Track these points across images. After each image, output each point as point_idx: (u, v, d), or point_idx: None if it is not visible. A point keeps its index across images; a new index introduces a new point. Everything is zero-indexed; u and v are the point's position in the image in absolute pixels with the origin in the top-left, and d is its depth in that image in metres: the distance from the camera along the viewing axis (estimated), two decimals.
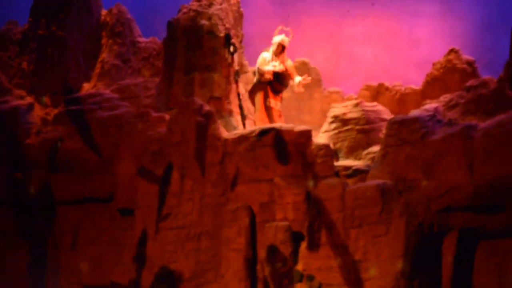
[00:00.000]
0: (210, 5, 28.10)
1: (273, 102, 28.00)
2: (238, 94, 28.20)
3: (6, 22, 30.19)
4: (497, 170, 24.04)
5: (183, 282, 26.21)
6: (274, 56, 28.07)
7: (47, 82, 29.47)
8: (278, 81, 28.01)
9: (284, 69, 27.94)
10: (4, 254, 28.37)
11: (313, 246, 24.95)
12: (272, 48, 28.12)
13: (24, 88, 29.45)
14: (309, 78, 28.04)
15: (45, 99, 29.27)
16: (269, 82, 28.01)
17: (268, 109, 27.92)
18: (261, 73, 28.03)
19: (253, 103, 28.42)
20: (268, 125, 26.66)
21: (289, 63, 28.09)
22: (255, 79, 28.17)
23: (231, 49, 27.72)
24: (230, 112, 27.84)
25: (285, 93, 28.44)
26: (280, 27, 28.06)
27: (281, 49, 27.95)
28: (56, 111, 28.46)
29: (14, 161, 28.27)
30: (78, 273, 27.94)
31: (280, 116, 27.83)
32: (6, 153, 28.31)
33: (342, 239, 24.66)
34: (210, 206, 26.04)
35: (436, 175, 24.57)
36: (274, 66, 27.86)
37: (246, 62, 29.30)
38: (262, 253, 25.45)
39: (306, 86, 28.63)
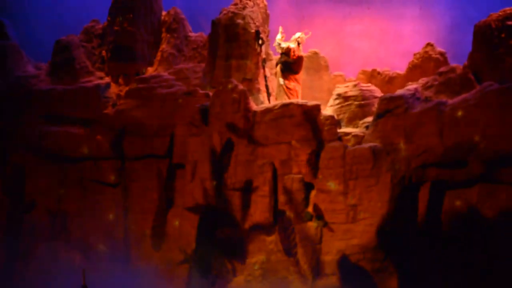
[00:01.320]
0: (244, 8, 28.22)
1: (291, 83, 28.05)
2: (265, 77, 28.45)
3: (91, 20, 30.30)
4: (461, 136, 24.78)
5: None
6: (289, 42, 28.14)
7: (121, 67, 29.70)
8: (293, 66, 28.01)
9: (295, 52, 27.91)
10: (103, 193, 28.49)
11: (322, 191, 25.68)
12: (292, 39, 28.11)
13: (103, 71, 29.83)
14: (310, 33, 28.26)
15: (119, 80, 29.53)
16: (286, 67, 28.08)
17: (286, 88, 28.06)
18: (278, 45, 28.19)
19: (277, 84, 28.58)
20: (287, 101, 27.15)
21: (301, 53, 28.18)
22: (277, 68, 28.37)
23: (260, 42, 28.04)
24: (258, 90, 28.16)
25: (301, 76, 28.38)
26: (306, 31, 28.13)
27: (297, 43, 27.98)
28: (127, 88, 28.90)
29: (97, 127, 28.48)
30: (146, 210, 28.13)
31: (296, 93, 27.99)
32: (91, 120, 28.59)
33: (343, 188, 25.43)
34: (242, 162, 26.58)
35: (415, 139, 25.34)
36: (289, 46, 27.96)
37: (271, 52, 29.37)
38: (281, 198, 26.12)
39: (317, 70, 29.13)
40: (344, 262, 25.22)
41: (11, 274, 27.90)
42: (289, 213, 26.10)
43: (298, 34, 28.05)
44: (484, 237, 24.28)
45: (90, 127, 28.56)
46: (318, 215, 25.63)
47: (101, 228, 28.31)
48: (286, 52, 27.92)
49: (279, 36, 28.02)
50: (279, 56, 28.34)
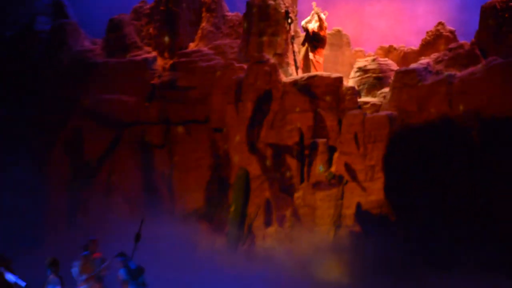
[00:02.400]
0: None
1: (316, 56, 27.85)
2: (293, 52, 28.15)
3: (140, 1, 30.19)
4: (467, 104, 24.76)
5: (253, 178, 26.62)
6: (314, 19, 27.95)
7: (166, 42, 29.53)
8: (315, 40, 27.89)
9: (318, 30, 27.76)
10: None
11: (343, 153, 25.61)
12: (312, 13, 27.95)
13: (150, 46, 29.76)
14: (327, 13, 28.03)
15: (165, 54, 29.33)
16: (311, 41, 28.04)
17: (312, 62, 27.96)
18: (304, 28, 28.10)
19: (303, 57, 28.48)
20: (313, 73, 27.02)
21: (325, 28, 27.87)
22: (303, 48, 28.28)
23: (289, 21, 27.77)
24: (288, 64, 27.89)
25: (325, 51, 28.43)
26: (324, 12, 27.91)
27: (317, 17, 27.77)
28: (171, 62, 28.84)
29: (145, 95, 28.47)
30: (188, 169, 27.95)
31: (320, 66, 27.77)
32: (140, 89, 28.56)
33: (362, 150, 25.39)
34: (274, 127, 26.50)
35: (426, 108, 25.29)
36: (312, 27, 27.73)
37: (298, 30, 29.06)
38: (308, 160, 26.02)
39: (339, 46, 28.95)
40: (362, 215, 25.20)
41: (73, 223, 28.01)
42: (313, 173, 26.08)
43: (315, 10, 27.88)
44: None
45: (139, 96, 28.50)
46: (340, 174, 25.57)
47: (149, 184, 28.23)
48: (320, 25, 27.74)
49: (311, 23, 27.84)
50: (305, 34, 28.15)
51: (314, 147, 26.02)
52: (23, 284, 17.40)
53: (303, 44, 28.35)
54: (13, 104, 29.04)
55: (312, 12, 27.95)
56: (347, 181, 25.57)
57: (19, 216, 26.49)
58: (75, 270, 19.08)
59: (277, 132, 26.51)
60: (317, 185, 25.95)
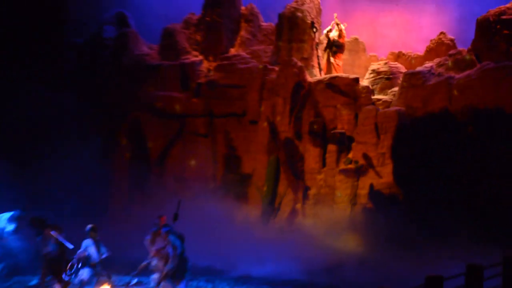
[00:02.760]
0: (302, 4, 28.15)
1: (336, 60, 28.05)
2: (317, 56, 28.40)
3: (189, 13, 30.12)
4: (464, 102, 24.96)
5: (283, 163, 27.05)
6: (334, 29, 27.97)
7: (212, 47, 29.41)
8: (336, 47, 28.03)
9: (338, 38, 27.89)
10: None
11: (359, 142, 25.99)
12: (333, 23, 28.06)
13: (197, 51, 29.72)
14: (346, 24, 28.04)
15: (209, 57, 29.21)
16: (332, 48, 28.04)
17: (333, 65, 28.14)
18: (326, 36, 28.14)
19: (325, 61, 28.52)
20: (334, 74, 27.34)
21: (344, 36, 28.01)
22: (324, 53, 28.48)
23: (314, 30, 28.04)
24: (313, 67, 28.17)
25: (344, 56, 28.56)
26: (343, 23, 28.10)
27: (336, 26, 27.88)
28: (215, 64, 28.98)
29: (193, 92, 28.73)
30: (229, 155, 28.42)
31: (340, 69, 27.96)
32: (189, 87, 28.82)
33: (375, 140, 25.77)
34: (300, 119, 26.95)
35: (429, 105, 25.55)
36: (333, 35, 27.87)
37: (322, 38, 28.68)
38: (329, 148, 26.44)
39: (356, 52, 28.91)
40: (374, 195, 25.56)
41: (132, 199, 28.38)
42: (333, 159, 26.29)
43: (335, 20, 28.02)
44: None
45: (188, 93, 28.81)
46: (356, 160, 25.90)
47: (195, 167, 28.58)
48: (337, 41, 27.90)
49: (332, 32, 28.05)
50: (327, 41, 28.26)
51: (334, 136, 26.27)
52: (70, 246, 17.97)
53: (325, 49, 28.40)
54: (84, 98, 28.92)
55: (333, 22, 28.10)
56: (362, 166, 25.77)
57: (88, 192, 26.74)
58: (146, 243, 19.13)
59: (303, 124, 26.78)
60: (336, 168, 26.24)
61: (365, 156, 25.87)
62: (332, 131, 26.36)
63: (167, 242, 17.46)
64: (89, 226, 18.77)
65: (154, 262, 18.75)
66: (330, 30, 28.29)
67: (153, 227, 19.12)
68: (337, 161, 26.31)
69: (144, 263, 18.97)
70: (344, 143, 26.27)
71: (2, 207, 22.32)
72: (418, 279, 14.69)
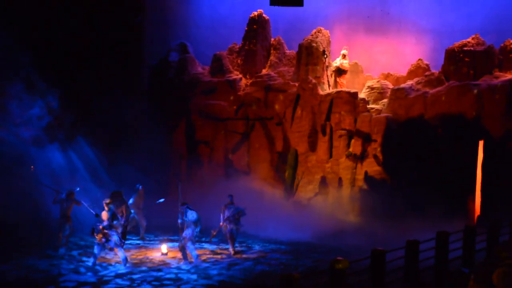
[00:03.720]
0: (316, 37, 27.86)
1: (341, 79, 27.82)
2: (327, 76, 27.98)
3: (232, 43, 29.78)
4: (436, 111, 24.98)
5: (300, 154, 26.99)
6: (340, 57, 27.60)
7: (249, 68, 29.00)
8: (341, 70, 27.71)
9: (343, 66, 27.68)
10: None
11: (357, 140, 25.89)
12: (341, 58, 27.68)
13: (238, 71, 29.33)
14: (348, 48, 27.65)
15: (247, 76, 28.87)
16: (338, 70, 27.76)
17: (338, 82, 27.84)
18: (335, 63, 27.73)
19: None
20: (339, 89, 27.14)
21: (346, 64, 27.72)
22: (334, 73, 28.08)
23: (325, 56, 27.71)
24: (323, 83, 27.81)
25: (347, 76, 28.06)
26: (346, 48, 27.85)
27: (342, 56, 27.67)
28: (251, 81, 28.73)
29: (234, 101, 28.39)
30: (260, 148, 27.96)
31: (343, 85, 27.61)
32: (231, 98, 28.63)
33: (370, 138, 25.62)
34: (313, 122, 26.82)
35: (410, 112, 25.49)
36: (341, 63, 27.58)
37: (331, 62, 27.98)
38: (335, 144, 26.38)
39: (356, 73, 28.37)
40: (369, 179, 25.51)
41: (186, 182, 27.45)
42: (338, 152, 26.26)
43: (343, 51, 27.77)
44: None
45: (230, 102, 28.59)
46: (355, 153, 25.84)
47: (234, 158, 28.41)
48: (341, 66, 27.73)
49: (338, 59, 27.79)
50: (334, 66, 28.09)
51: (339, 136, 26.23)
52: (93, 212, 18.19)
53: (334, 71, 28.09)
54: (154, 105, 29.14)
55: (341, 53, 27.78)
56: (359, 157, 25.69)
57: (156, 174, 26.78)
58: (220, 215, 19.92)
59: (315, 125, 26.72)
60: (340, 159, 26.18)
61: (362, 150, 25.73)
62: (337, 131, 26.18)
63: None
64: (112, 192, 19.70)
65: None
66: (340, 58, 28.01)
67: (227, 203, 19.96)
68: (341, 153, 26.14)
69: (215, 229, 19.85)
70: (346, 140, 26.05)
71: (104, 186, 22.74)
72: (401, 242, 14.98)
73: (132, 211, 21.61)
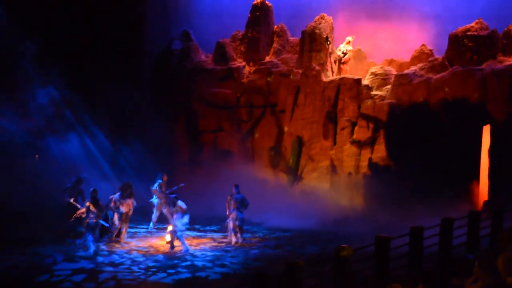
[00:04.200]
0: (319, 23, 27.85)
1: (345, 65, 27.84)
2: (330, 62, 28.11)
3: (235, 30, 29.80)
4: (439, 96, 25.00)
5: (304, 142, 26.96)
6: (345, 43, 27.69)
7: (252, 56, 28.99)
8: (345, 56, 27.81)
9: (346, 53, 27.68)
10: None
11: (361, 126, 25.88)
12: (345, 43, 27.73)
13: (241, 59, 29.31)
14: (354, 36, 27.72)
15: (250, 63, 28.87)
16: (342, 56, 27.82)
17: (342, 69, 27.94)
18: (339, 49, 27.82)
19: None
20: (342, 76, 27.15)
21: (350, 51, 27.77)
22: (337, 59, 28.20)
23: (328, 43, 27.78)
24: (327, 70, 27.84)
25: (350, 62, 28.10)
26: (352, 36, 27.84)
27: (345, 42, 27.69)
28: (254, 68, 28.73)
29: (237, 88, 28.51)
30: (264, 135, 28.08)
31: (347, 72, 27.62)
32: (234, 85, 28.52)
33: (373, 125, 25.66)
34: (317, 110, 26.77)
35: (414, 98, 25.45)
36: (343, 51, 27.72)
37: (334, 49, 28.09)
38: (339, 131, 26.36)
39: (359, 59, 28.38)
40: (372, 165, 25.53)
41: (191, 169, 27.96)
42: (342, 139, 26.21)
43: (348, 38, 27.78)
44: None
45: (234, 89, 28.70)
46: (359, 139, 25.82)
47: (239, 145, 28.44)
48: (344, 52, 27.73)
49: (342, 45, 27.78)
50: (339, 53, 28.09)
51: (343, 122, 26.20)
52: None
53: (338, 58, 28.13)
54: (157, 93, 29.08)
55: (346, 40, 27.82)
56: (363, 144, 25.73)
57: (161, 159, 26.75)
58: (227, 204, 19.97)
59: (319, 112, 26.65)
60: (344, 146, 26.17)
61: (365, 137, 25.73)
62: (340, 118, 26.11)
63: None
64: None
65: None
66: (344, 44, 28.01)
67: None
68: (345, 140, 26.11)
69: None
70: (350, 127, 25.96)
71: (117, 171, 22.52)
72: (405, 229, 14.91)
73: (156, 199, 21.74)
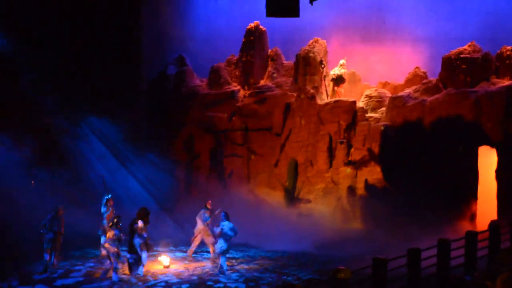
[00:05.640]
0: (313, 47, 27.79)
1: (339, 89, 27.76)
2: (325, 85, 27.95)
3: (230, 55, 29.93)
4: (434, 117, 24.83)
5: (300, 164, 26.88)
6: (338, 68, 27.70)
7: (247, 79, 29.05)
8: (339, 79, 27.75)
9: (340, 75, 27.71)
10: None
11: (356, 149, 25.82)
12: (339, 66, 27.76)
13: (236, 83, 29.38)
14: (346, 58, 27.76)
15: (245, 87, 28.80)
16: (336, 79, 27.79)
17: (336, 92, 27.82)
18: (333, 72, 27.75)
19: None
20: (337, 98, 27.17)
21: (344, 73, 27.78)
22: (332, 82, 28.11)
23: (322, 66, 27.66)
24: (321, 93, 27.76)
25: (345, 85, 27.96)
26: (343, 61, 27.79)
27: (340, 66, 27.69)
28: (249, 92, 28.79)
29: (232, 112, 28.61)
30: (259, 159, 28.17)
31: (341, 95, 27.59)
32: (229, 109, 28.70)
33: (367, 146, 25.61)
34: (313, 132, 26.79)
35: (408, 119, 25.35)
36: (337, 73, 27.67)
37: (328, 72, 27.88)
38: (334, 153, 26.28)
39: (354, 82, 28.29)
40: (369, 187, 25.45)
41: (187, 189, 28.46)
42: (338, 161, 26.18)
43: (341, 61, 27.73)
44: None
45: (229, 113, 28.73)
46: (355, 161, 25.78)
47: (234, 169, 28.37)
48: (338, 76, 27.80)
49: (336, 69, 27.81)
50: (333, 76, 28.10)
51: (338, 144, 26.16)
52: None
53: (332, 80, 28.07)
54: (153, 117, 29.32)
55: (340, 63, 27.77)
56: (359, 166, 25.66)
57: (154, 183, 27.00)
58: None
59: (314, 135, 26.67)
60: (340, 168, 26.12)
61: (361, 159, 25.72)
62: (336, 141, 26.12)
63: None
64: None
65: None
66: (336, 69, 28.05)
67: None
68: (341, 163, 26.08)
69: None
70: (346, 149, 26.01)
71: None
72: (403, 250, 14.87)
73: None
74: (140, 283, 17.59)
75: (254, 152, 28.21)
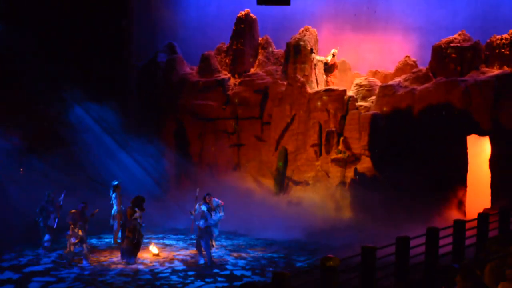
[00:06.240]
0: (304, 35, 27.81)
1: (330, 77, 27.70)
2: (315, 74, 27.97)
3: (220, 43, 29.83)
4: (423, 106, 24.86)
5: (290, 153, 26.91)
6: (330, 55, 27.45)
7: (237, 68, 29.04)
8: (329, 67, 27.64)
9: (331, 62, 27.45)
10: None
11: (345, 137, 25.79)
12: (331, 53, 27.53)
13: (226, 71, 29.35)
14: (338, 47, 27.50)
15: (235, 75, 28.86)
16: (326, 68, 27.69)
17: (327, 80, 27.80)
18: (324, 60, 27.61)
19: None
20: (327, 87, 27.16)
21: (334, 61, 27.60)
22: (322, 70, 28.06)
23: (313, 54, 27.62)
24: (312, 81, 27.74)
25: (335, 74, 27.89)
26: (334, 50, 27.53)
27: (331, 54, 27.45)
28: (239, 80, 28.77)
29: (223, 101, 28.55)
30: (249, 147, 28.08)
31: (332, 83, 27.50)
32: (219, 97, 28.59)
33: (358, 135, 25.55)
34: (303, 121, 26.76)
35: (398, 108, 25.35)
36: (327, 59, 27.44)
37: (318, 59, 27.45)
38: (324, 141, 26.20)
39: (344, 70, 28.37)
40: (358, 176, 25.42)
41: (178, 179, 28.23)
42: (328, 150, 26.14)
43: (332, 50, 27.62)
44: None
45: (219, 101, 28.67)
46: (344, 151, 25.76)
47: (224, 157, 28.40)
48: (327, 62, 27.65)
49: (329, 57, 27.65)
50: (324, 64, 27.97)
51: (328, 134, 26.11)
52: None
53: (323, 69, 28.04)
54: (143, 106, 29.31)
55: (331, 52, 27.61)
56: (349, 155, 25.65)
57: (147, 172, 27.06)
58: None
59: (305, 124, 26.66)
60: (330, 156, 26.07)
61: (350, 148, 25.72)
62: (326, 130, 26.08)
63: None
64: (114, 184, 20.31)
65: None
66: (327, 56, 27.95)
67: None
68: (330, 151, 26.08)
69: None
70: (335, 138, 25.99)
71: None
72: (392, 238, 14.92)
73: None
74: (147, 270, 17.69)
75: (244, 140, 28.21)
